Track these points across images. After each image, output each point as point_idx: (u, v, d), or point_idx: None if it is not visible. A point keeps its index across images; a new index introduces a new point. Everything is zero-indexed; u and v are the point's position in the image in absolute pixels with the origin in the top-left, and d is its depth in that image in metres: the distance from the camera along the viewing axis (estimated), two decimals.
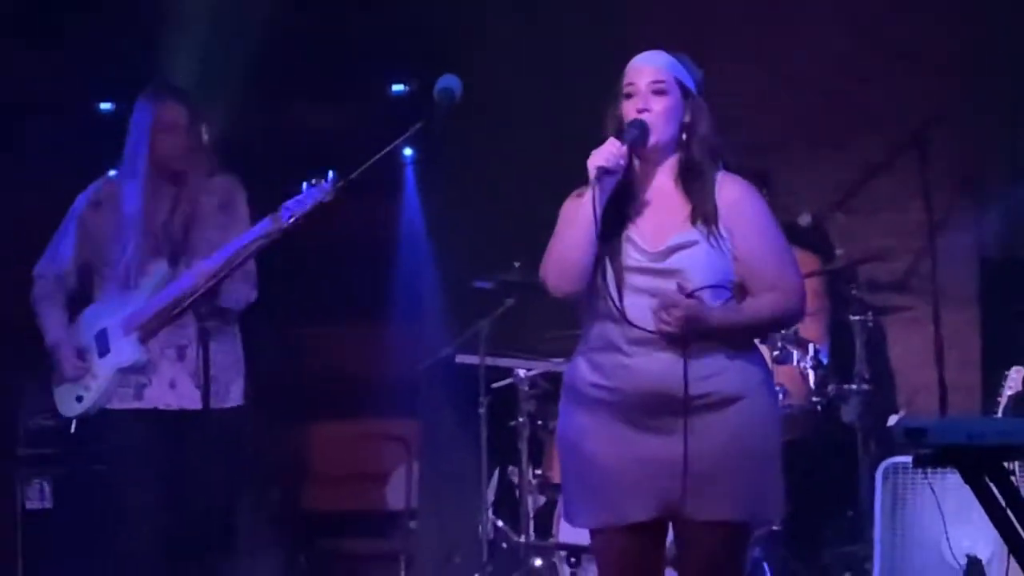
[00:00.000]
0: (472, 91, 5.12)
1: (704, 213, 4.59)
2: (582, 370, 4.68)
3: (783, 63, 7.37)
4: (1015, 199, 7.21)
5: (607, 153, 4.52)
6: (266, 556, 7.00)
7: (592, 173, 4.51)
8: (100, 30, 7.34)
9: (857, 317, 6.72)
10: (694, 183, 4.63)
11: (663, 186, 4.66)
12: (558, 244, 4.65)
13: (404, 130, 5.18)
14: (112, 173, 6.32)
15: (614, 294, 4.56)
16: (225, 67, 7.14)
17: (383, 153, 5.16)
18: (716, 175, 4.65)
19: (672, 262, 4.56)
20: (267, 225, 5.71)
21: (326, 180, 5.40)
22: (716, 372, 4.56)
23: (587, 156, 4.53)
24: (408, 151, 7.37)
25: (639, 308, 4.52)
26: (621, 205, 4.62)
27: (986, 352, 7.14)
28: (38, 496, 6.70)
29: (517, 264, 6.72)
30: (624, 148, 4.54)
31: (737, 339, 4.60)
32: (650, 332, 4.51)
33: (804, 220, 7.19)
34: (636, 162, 4.66)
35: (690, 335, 4.49)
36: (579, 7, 7.34)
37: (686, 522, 4.58)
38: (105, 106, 7.33)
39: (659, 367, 4.54)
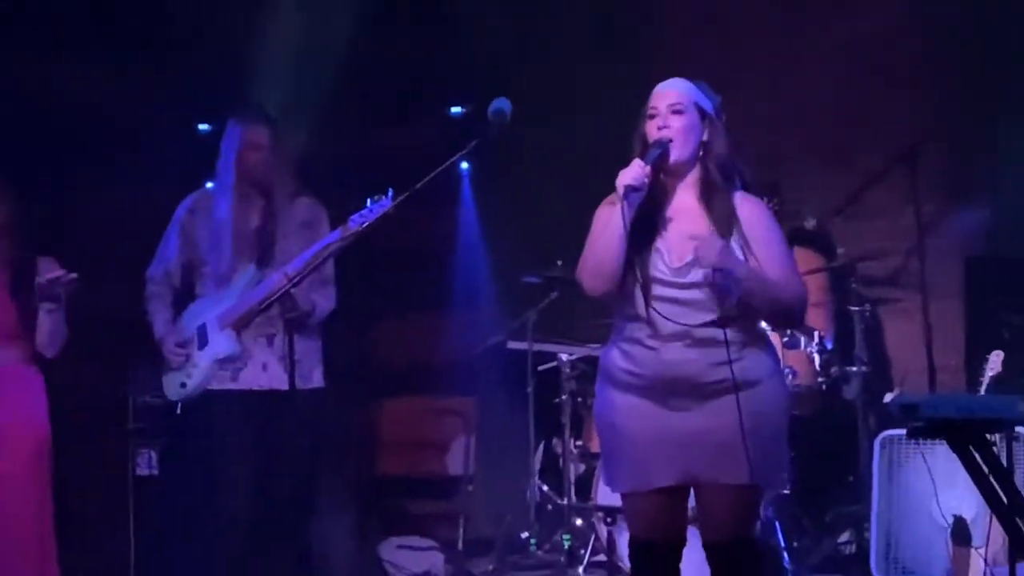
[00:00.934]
0: (520, 112, 5.11)
1: (723, 228, 4.58)
2: (615, 357, 4.68)
3: (791, 91, 7.36)
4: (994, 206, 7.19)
5: (633, 173, 4.51)
6: (343, 515, 7.01)
7: (620, 191, 4.50)
8: (201, 61, 7.36)
9: (856, 308, 6.70)
10: (713, 199, 4.62)
11: (686, 201, 4.65)
12: (592, 250, 4.65)
13: (461, 147, 5.18)
14: (208, 185, 6.35)
15: (642, 301, 4.57)
16: (306, 94, 7.15)
17: (444, 167, 5.16)
18: (735, 194, 4.63)
19: (692, 276, 4.55)
20: (336, 235, 5.74)
21: (386, 196, 5.42)
22: (723, 364, 4.55)
23: (617, 170, 4.52)
24: (465, 165, 7.37)
25: (664, 311, 4.54)
26: (650, 218, 4.61)
27: (969, 338, 7.09)
28: (146, 464, 6.70)
29: (560, 262, 6.74)
30: (648, 168, 4.52)
31: (758, 305, 4.55)
32: (674, 328, 4.52)
33: (810, 224, 7.16)
34: (662, 177, 4.65)
35: (718, 284, 4.47)
36: (616, 45, 7.32)
37: (706, 486, 4.59)
38: (204, 127, 7.33)
39: (680, 358, 4.55)
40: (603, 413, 4.75)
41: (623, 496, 4.77)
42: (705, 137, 4.63)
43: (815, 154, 7.39)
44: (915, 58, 7.28)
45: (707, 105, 4.66)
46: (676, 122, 4.60)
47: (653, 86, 4.71)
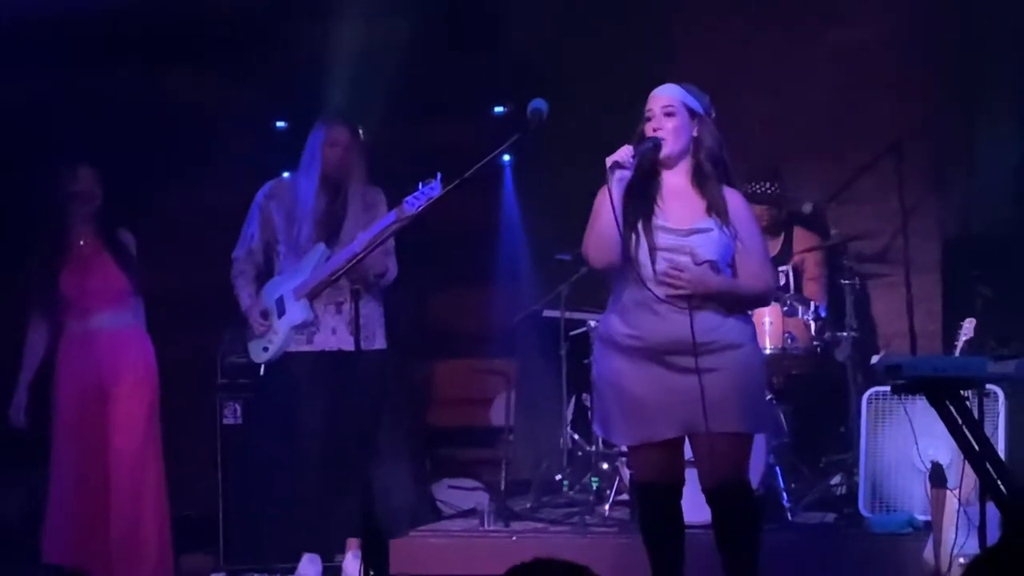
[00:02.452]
0: (555, 111, 5.13)
1: (716, 208, 4.64)
2: (615, 323, 4.71)
3: (791, 92, 7.34)
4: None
5: (619, 153, 4.61)
6: (402, 460, 7.03)
7: (608, 167, 4.56)
8: (276, 65, 7.40)
9: (847, 281, 6.68)
10: (705, 184, 4.68)
11: (681, 185, 4.72)
12: (592, 228, 4.70)
13: (503, 141, 5.20)
14: (285, 175, 6.39)
15: (647, 270, 4.60)
16: (366, 93, 7.16)
17: (488, 159, 5.17)
18: (724, 190, 4.69)
19: (693, 241, 4.60)
20: (392, 216, 5.78)
21: (435, 180, 5.44)
22: (719, 326, 4.61)
23: None
24: (506, 157, 7.38)
25: (661, 276, 4.60)
26: (649, 199, 4.67)
27: (946, 307, 7.08)
28: (232, 415, 6.72)
29: None
30: (631, 149, 4.59)
31: (730, 303, 4.65)
32: (674, 296, 4.55)
33: (807, 208, 7.15)
34: (659, 169, 4.69)
35: (696, 294, 4.56)
36: (635, 51, 7.32)
37: (703, 436, 4.61)
38: (280, 124, 7.37)
39: (677, 320, 4.58)
40: (605, 375, 4.77)
41: (628, 448, 4.82)
42: (695, 133, 4.71)
43: (811, 147, 7.38)
44: (900, 63, 7.25)
45: (696, 105, 4.73)
46: (668, 123, 4.69)
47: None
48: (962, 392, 4.50)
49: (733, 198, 4.72)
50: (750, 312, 4.81)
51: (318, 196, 6.17)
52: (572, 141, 7.23)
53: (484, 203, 7.46)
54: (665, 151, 4.67)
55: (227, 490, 6.65)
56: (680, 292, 4.56)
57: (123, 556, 5.78)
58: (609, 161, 4.59)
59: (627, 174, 4.62)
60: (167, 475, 6.03)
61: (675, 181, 4.72)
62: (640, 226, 4.64)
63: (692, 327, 4.54)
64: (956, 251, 7.19)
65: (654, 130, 4.68)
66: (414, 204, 5.60)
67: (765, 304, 5.12)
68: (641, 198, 4.66)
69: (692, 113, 4.71)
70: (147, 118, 7.16)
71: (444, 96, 7.60)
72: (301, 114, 6.45)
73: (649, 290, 4.59)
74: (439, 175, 5.39)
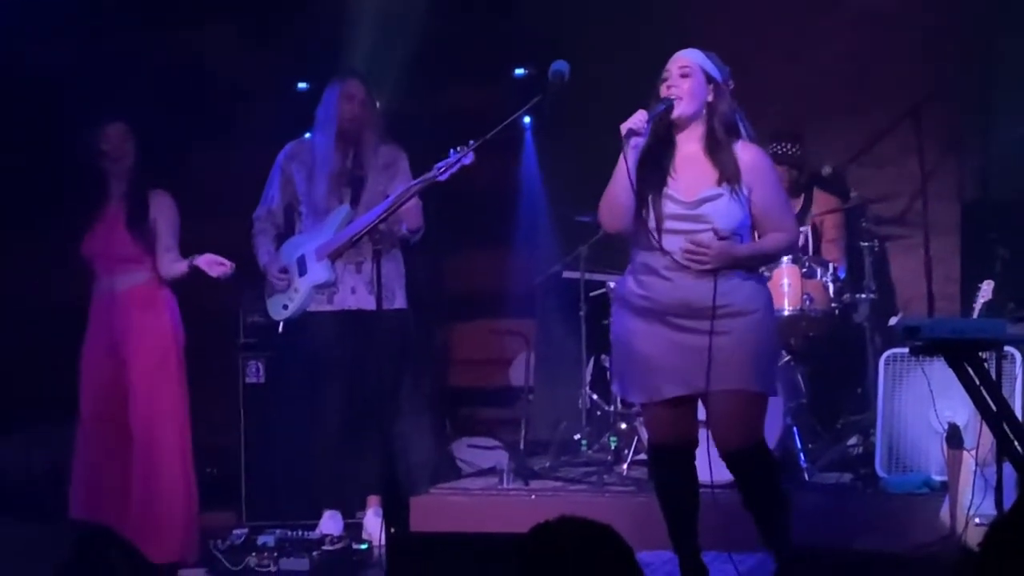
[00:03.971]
0: (576, 74, 5.11)
1: (728, 175, 4.62)
2: (631, 285, 4.74)
3: (811, 57, 7.30)
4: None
5: (633, 120, 4.60)
6: (422, 419, 7.03)
7: (623, 134, 4.54)
8: (299, 28, 7.38)
9: (866, 243, 6.66)
10: (718, 151, 4.66)
11: (693, 152, 4.71)
12: (607, 192, 4.72)
13: (525, 103, 5.18)
14: (306, 136, 6.38)
15: (656, 234, 4.60)
16: (389, 56, 7.15)
17: (510, 120, 5.17)
18: (736, 144, 4.66)
19: (702, 210, 4.60)
20: (420, 181, 5.71)
21: (469, 149, 5.40)
22: (734, 290, 4.61)
23: None
24: (528, 119, 7.36)
25: (674, 243, 4.61)
26: (661, 165, 4.66)
27: (964, 270, 7.05)
28: (254, 373, 6.74)
29: None
30: (646, 114, 4.57)
31: (759, 264, 4.72)
32: (681, 262, 4.58)
33: (826, 171, 7.13)
34: (673, 131, 4.67)
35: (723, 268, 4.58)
36: (655, 14, 7.28)
37: (713, 396, 4.61)
38: (302, 86, 7.36)
39: (687, 285, 4.60)
40: (620, 334, 4.80)
41: (641, 406, 4.85)
42: (710, 98, 4.67)
43: (832, 111, 7.33)
44: (919, 25, 7.20)
45: (714, 71, 4.72)
46: (684, 84, 4.68)
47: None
48: (980, 354, 4.48)
49: (747, 152, 4.69)
50: (767, 274, 4.82)
51: (335, 153, 6.16)
52: (593, 103, 7.20)
53: (504, 165, 7.45)
54: (677, 111, 4.67)
55: (249, 448, 6.67)
56: (705, 268, 4.56)
57: (146, 514, 5.77)
58: (624, 128, 4.59)
59: (641, 140, 4.61)
60: (191, 433, 6.04)
61: (689, 148, 4.71)
62: (651, 195, 4.63)
63: (715, 294, 4.55)
64: (975, 213, 7.16)
65: (668, 88, 4.66)
66: (446, 171, 5.51)
67: (793, 251, 5.05)
68: (655, 165, 4.67)
69: (709, 78, 4.69)
70: (173, 79, 7.17)
71: (465, 58, 7.57)
72: (323, 76, 6.43)
73: (660, 255, 4.59)
74: (472, 143, 5.34)
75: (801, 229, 6.63)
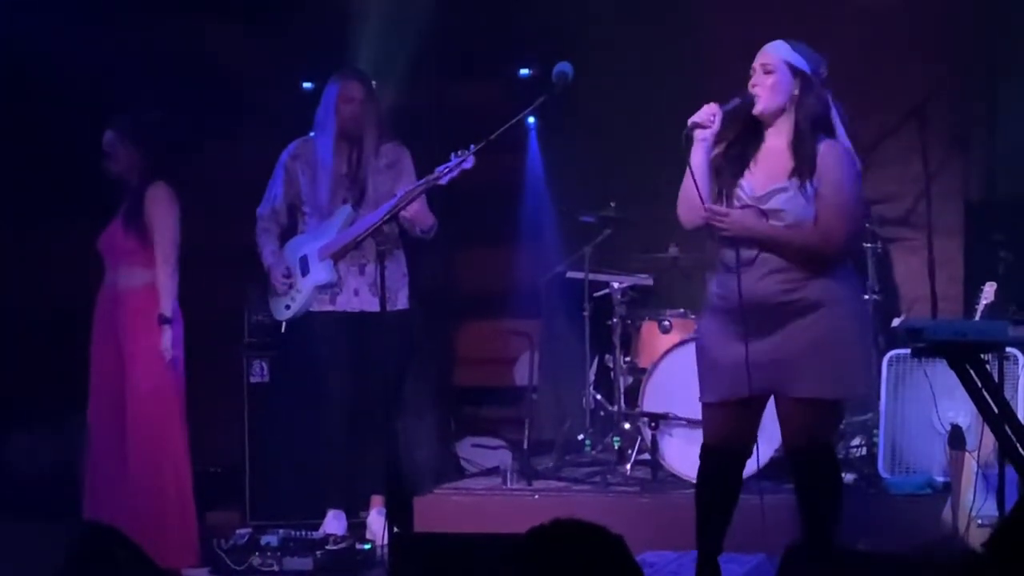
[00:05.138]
0: (580, 75, 5.11)
1: (802, 169, 4.57)
2: (712, 284, 4.72)
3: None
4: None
5: (701, 112, 4.56)
6: (426, 418, 7.05)
7: (688, 127, 4.53)
8: (303, 27, 7.39)
9: (870, 244, 6.64)
10: (800, 145, 4.60)
11: (777, 146, 4.65)
12: (682, 189, 4.67)
13: (529, 103, 5.19)
14: (310, 135, 6.39)
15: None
16: (393, 55, 7.15)
17: (514, 121, 5.18)
18: (821, 143, 4.60)
19: (771, 204, 4.57)
20: (422, 183, 5.69)
21: (469, 152, 5.39)
22: (799, 286, 4.54)
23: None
24: (532, 120, 7.36)
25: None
26: (742, 157, 4.63)
27: (967, 271, 7.04)
28: (259, 373, 6.74)
29: (612, 204, 6.73)
30: (718, 109, 4.54)
31: (791, 256, 4.54)
32: (751, 255, 4.53)
33: None
34: (761, 127, 4.65)
35: (738, 237, 4.53)
36: (660, 14, 7.27)
37: (782, 398, 4.59)
38: (307, 85, 7.36)
39: (758, 282, 4.55)
40: (700, 334, 4.82)
41: (704, 406, 4.75)
42: (796, 92, 4.63)
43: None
44: (924, 24, 7.19)
45: (801, 64, 4.66)
46: (766, 80, 4.64)
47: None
48: (982, 356, 4.48)
49: (828, 151, 4.61)
50: (844, 268, 4.69)
51: (336, 153, 6.17)
52: (598, 102, 7.21)
53: (509, 165, 7.44)
54: (758, 108, 4.63)
55: (253, 447, 6.68)
56: (724, 233, 4.53)
57: (142, 515, 5.73)
58: (689, 122, 4.56)
59: (708, 134, 4.58)
60: (194, 432, 6.04)
61: (774, 142, 4.66)
62: (725, 188, 4.62)
63: (739, 287, 4.51)
64: (978, 215, 7.14)
65: (752, 87, 4.65)
66: (446, 175, 5.49)
67: (822, 258, 4.82)
68: (737, 159, 4.64)
69: (795, 71, 4.65)
70: (179, 76, 7.17)
71: (470, 57, 7.57)
72: (328, 75, 6.43)
73: (730, 251, 4.59)
74: (472, 147, 5.33)
75: None
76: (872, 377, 4.70)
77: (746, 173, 4.62)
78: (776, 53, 4.68)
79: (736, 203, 4.59)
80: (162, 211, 5.89)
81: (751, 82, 4.66)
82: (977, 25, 7.12)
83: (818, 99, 4.65)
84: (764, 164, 4.63)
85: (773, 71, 4.64)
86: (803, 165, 4.57)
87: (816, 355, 4.52)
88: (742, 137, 4.66)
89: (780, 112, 4.64)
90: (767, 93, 4.63)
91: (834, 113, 4.68)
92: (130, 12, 7.19)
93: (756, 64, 4.68)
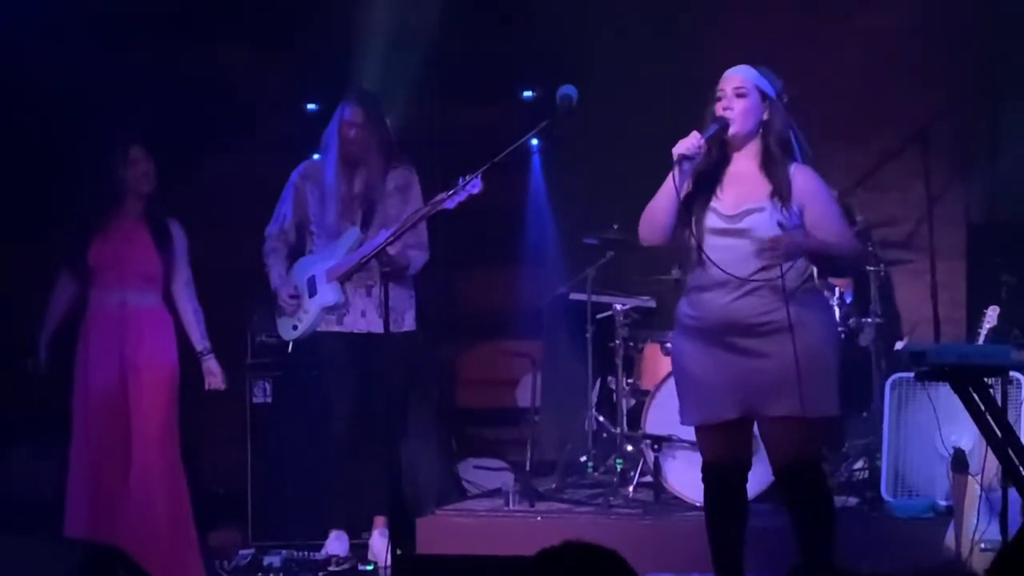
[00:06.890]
0: (583, 98, 5.12)
1: (779, 191, 4.59)
2: (683, 306, 4.72)
3: (818, 79, 7.29)
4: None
5: (687, 143, 4.55)
6: (429, 439, 7.04)
7: (674, 158, 4.53)
8: (309, 50, 7.41)
9: (873, 268, 6.65)
10: (772, 167, 4.63)
11: (746, 169, 4.67)
12: (649, 206, 4.68)
13: (533, 126, 5.19)
14: (316, 156, 6.40)
15: (697, 250, 4.59)
16: (398, 78, 7.17)
17: (519, 143, 5.18)
18: (791, 166, 4.64)
19: (743, 223, 4.58)
20: (428, 208, 5.68)
21: (476, 177, 5.38)
22: (773, 309, 4.56)
23: (668, 149, 4.56)
24: (535, 142, 7.36)
25: (717, 259, 4.56)
26: (711, 180, 4.64)
27: (970, 295, 7.05)
28: (262, 393, 6.75)
29: (616, 226, 6.72)
30: (702, 139, 4.55)
31: (830, 266, 4.71)
32: (725, 277, 4.54)
33: (833, 195, 7.12)
34: (727, 148, 4.66)
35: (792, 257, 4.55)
36: (663, 36, 7.29)
37: (764, 418, 4.60)
38: (311, 107, 7.39)
39: (733, 303, 4.56)
40: (675, 358, 4.79)
41: (695, 428, 4.77)
42: (765, 116, 4.66)
43: (837, 134, 7.31)
44: (926, 50, 7.20)
45: (768, 88, 4.69)
46: (738, 104, 4.65)
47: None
48: (985, 380, 4.48)
49: (800, 174, 4.64)
50: (822, 290, 4.74)
51: (339, 177, 6.19)
52: (601, 126, 7.23)
53: (512, 186, 7.45)
54: (732, 130, 4.64)
55: (255, 468, 6.68)
56: (779, 262, 4.51)
57: (140, 535, 5.69)
58: (675, 153, 4.54)
59: (694, 164, 4.59)
60: (195, 453, 6.04)
61: (741, 165, 4.68)
62: (695, 210, 4.62)
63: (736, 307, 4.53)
64: (981, 238, 7.15)
65: (723, 110, 4.65)
66: (453, 200, 5.47)
67: (859, 260, 4.85)
68: (704, 182, 4.64)
69: (763, 95, 4.67)
70: (185, 96, 7.18)
71: (474, 81, 7.59)
72: (333, 97, 6.45)
73: (703, 273, 4.59)
74: (479, 173, 5.32)
75: None
76: (839, 400, 4.69)
77: (714, 196, 4.63)
78: (747, 77, 4.70)
79: (707, 224, 4.60)
80: (185, 247, 5.96)
81: (721, 105, 4.66)
82: (979, 51, 7.14)
83: (783, 122, 4.68)
84: (733, 186, 4.65)
85: (746, 94, 4.66)
86: (779, 186, 4.60)
87: (790, 374, 4.52)
88: (708, 161, 4.66)
89: (751, 136, 4.66)
90: (741, 116, 4.64)
91: (794, 136, 4.70)
92: (140, 35, 7.20)
93: (726, 87, 4.68)
